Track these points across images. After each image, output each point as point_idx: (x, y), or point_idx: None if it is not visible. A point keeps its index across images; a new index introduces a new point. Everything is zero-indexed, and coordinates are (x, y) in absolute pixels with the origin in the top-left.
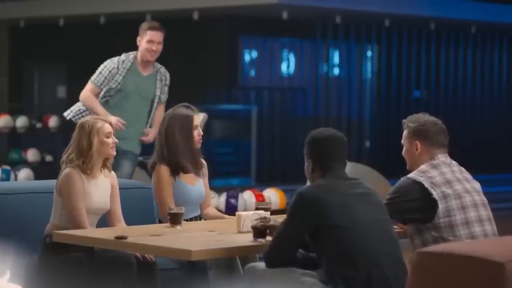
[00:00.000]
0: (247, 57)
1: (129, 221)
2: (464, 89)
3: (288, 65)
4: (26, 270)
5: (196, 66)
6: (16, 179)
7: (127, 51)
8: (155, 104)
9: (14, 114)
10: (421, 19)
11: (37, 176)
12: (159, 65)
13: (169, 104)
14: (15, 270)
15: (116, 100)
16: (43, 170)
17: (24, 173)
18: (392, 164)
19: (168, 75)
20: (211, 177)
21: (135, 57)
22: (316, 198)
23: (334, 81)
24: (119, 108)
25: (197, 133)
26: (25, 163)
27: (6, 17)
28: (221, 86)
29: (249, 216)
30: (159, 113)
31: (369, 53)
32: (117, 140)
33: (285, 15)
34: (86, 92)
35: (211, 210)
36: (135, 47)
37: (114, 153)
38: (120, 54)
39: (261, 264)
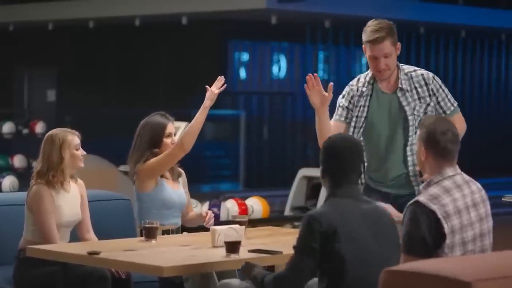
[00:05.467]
0: (236, 62)
1: (108, 233)
2: (454, 93)
3: (277, 69)
4: (1, 284)
5: (184, 71)
6: (0, 187)
7: (116, 55)
8: (412, 123)
9: (1, 119)
10: (410, 23)
11: (23, 183)
12: (407, 70)
13: (158, 109)
14: None
15: (368, 139)
16: (30, 176)
17: (8, 180)
18: None
19: (427, 76)
20: (201, 183)
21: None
22: (324, 223)
23: (323, 85)
24: (374, 147)
25: (170, 141)
26: (11, 169)
27: None
28: None
29: (223, 230)
30: (459, 123)
31: (358, 57)
32: (85, 153)
33: (274, 20)
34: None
35: (191, 214)
36: (124, 51)
37: (82, 165)
38: (109, 58)
39: (235, 281)
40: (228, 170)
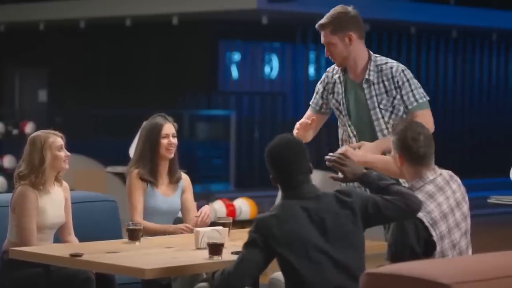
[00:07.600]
0: (227, 62)
1: (94, 235)
2: (445, 94)
3: (268, 69)
4: None
5: (175, 71)
6: None
7: (107, 55)
8: (376, 117)
9: None
10: (401, 23)
11: (13, 184)
12: (379, 62)
13: (149, 109)
14: None
15: (345, 130)
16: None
17: None
18: None
19: (396, 68)
20: (193, 183)
21: None
22: (269, 230)
23: (314, 85)
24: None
25: (167, 142)
26: (0, 170)
27: None
28: (201, 91)
29: (207, 232)
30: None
31: None
32: (69, 154)
33: (264, 20)
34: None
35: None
36: (115, 51)
37: (67, 166)
38: (101, 58)
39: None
40: (219, 170)
